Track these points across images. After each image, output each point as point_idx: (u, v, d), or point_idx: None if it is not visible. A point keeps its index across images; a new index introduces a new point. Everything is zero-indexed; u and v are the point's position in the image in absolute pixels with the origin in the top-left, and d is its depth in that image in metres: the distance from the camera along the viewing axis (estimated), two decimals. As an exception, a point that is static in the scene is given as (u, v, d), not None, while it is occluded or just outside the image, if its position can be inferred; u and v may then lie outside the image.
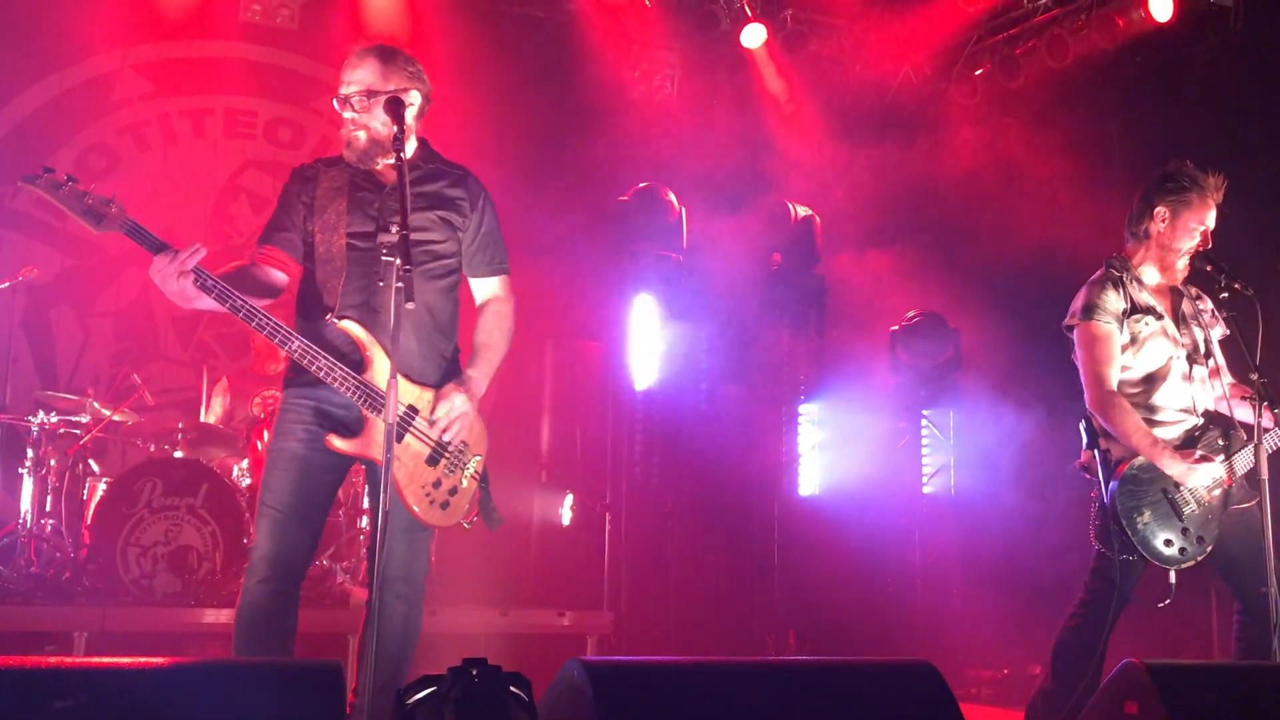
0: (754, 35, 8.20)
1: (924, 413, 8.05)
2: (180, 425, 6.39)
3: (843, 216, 7.98)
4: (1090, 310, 4.21)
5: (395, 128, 3.38)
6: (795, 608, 7.41)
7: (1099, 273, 4.31)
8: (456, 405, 3.46)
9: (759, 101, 8.60)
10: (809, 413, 7.73)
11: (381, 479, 3.01)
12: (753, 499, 7.51)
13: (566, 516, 7.51)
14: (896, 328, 7.96)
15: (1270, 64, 7.47)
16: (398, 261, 3.09)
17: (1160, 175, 4.30)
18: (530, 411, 7.86)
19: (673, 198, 7.49)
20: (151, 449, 6.43)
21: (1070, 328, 4.31)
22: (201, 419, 6.82)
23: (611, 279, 7.52)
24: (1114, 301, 4.21)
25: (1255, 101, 7.47)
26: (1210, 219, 4.23)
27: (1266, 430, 3.98)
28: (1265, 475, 3.80)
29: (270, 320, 3.27)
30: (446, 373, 3.57)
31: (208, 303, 3.26)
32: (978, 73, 8.59)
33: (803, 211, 7.85)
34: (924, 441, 8.06)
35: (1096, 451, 4.21)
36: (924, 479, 8.04)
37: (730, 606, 7.29)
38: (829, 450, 7.63)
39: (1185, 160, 4.30)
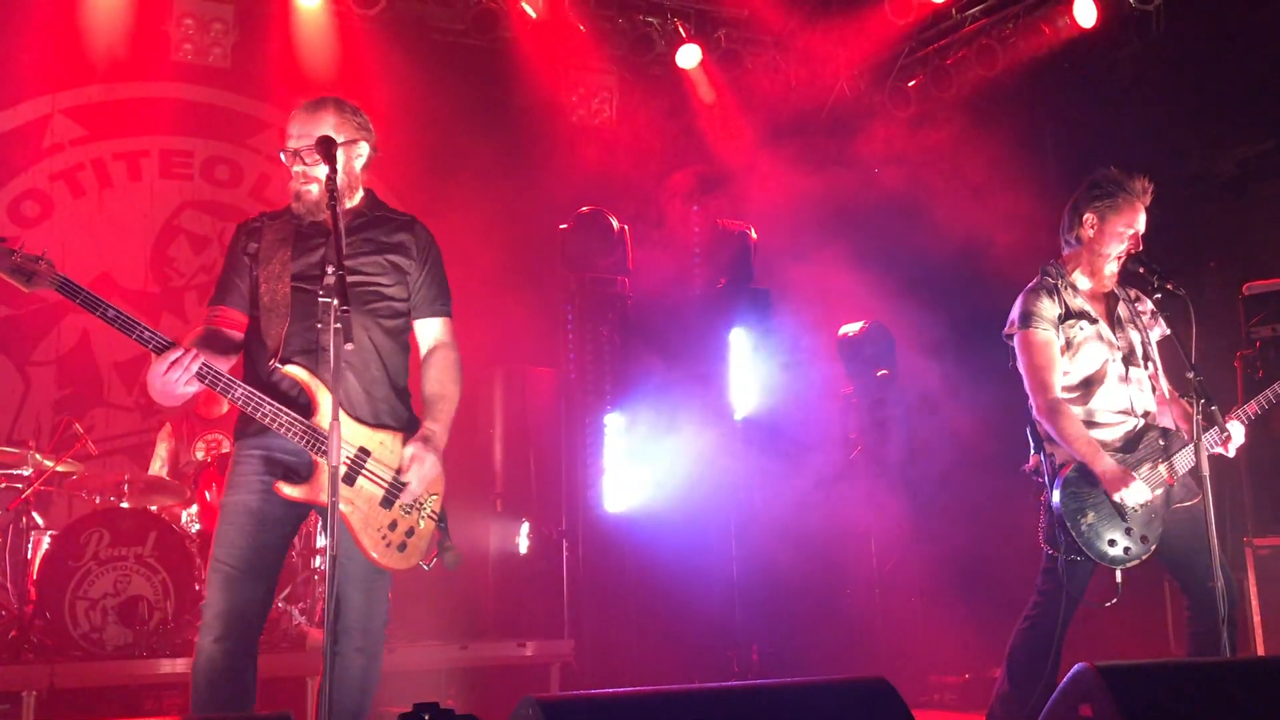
0: (689, 56, 8.26)
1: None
2: (126, 477, 6.29)
3: (783, 232, 8.03)
4: (1028, 318, 4.29)
5: (330, 168, 3.36)
6: (757, 624, 7.41)
7: (1035, 281, 4.40)
8: (427, 470, 3.47)
9: (697, 121, 8.66)
10: (759, 427, 7.74)
11: (329, 522, 2.99)
12: (709, 516, 7.50)
13: (524, 545, 7.47)
14: (843, 337, 8.01)
15: (1192, 65, 7.63)
16: (335, 302, 3.09)
17: (1088, 183, 4.40)
18: (482, 440, 7.82)
19: (614, 221, 7.50)
20: (97, 500, 6.32)
21: (1010, 336, 4.39)
22: (151, 467, 6.74)
23: (558, 304, 7.52)
24: (1049, 308, 4.29)
25: (1180, 102, 7.63)
26: (1139, 222, 4.32)
27: (1205, 429, 4.05)
28: (1206, 473, 3.87)
29: (223, 375, 3.29)
30: (397, 415, 3.55)
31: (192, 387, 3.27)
32: (911, 84, 8.70)
33: (745, 229, 7.89)
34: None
35: (1042, 455, 4.28)
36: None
37: (692, 626, 7.28)
38: (779, 464, 7.65)
39: (1110, 167, 4.38)
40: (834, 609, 7.54)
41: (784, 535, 7.49)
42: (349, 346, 3.10)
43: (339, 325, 3.08)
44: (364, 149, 3.61)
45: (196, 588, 6.05)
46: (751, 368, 7.72)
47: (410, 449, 3.47)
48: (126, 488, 6.23)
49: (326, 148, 3.39)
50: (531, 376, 7.84)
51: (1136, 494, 4.10)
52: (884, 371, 7.82)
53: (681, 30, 8.29)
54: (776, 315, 7.95)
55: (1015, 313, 4.36)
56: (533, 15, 7.90)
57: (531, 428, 7.68)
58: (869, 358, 7.90)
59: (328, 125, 3.51)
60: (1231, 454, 4.27)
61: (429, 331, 3.71)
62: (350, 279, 3.36)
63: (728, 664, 7.21)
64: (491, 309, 8.07)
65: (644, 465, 7.26)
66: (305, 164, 3.49)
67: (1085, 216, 4.35)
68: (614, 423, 7.35)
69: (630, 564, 7.24)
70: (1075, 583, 4.16)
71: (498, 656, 6.46)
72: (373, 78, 7.77)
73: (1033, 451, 4.34)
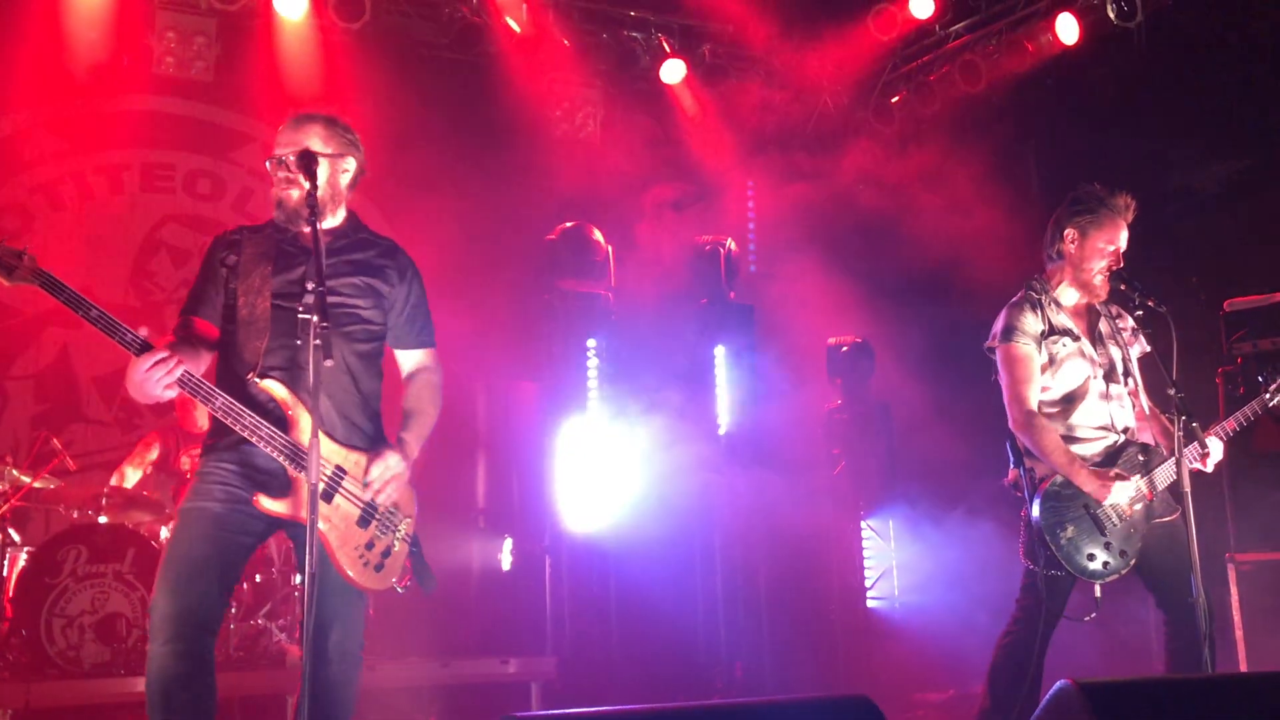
0: (673, 71, 8.27)
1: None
2: (105, 490, 6.23)
3: (767, 247, 8.05)
4: (1010, 332, 4.31)
5: (310, 184, 3.35)
6: (740, 640, 7.39)
7: (1018, 295, 4.42)
8: (391, 466, 3.45)
9: (681, 136, 8.67)
10: (742, 442, 7.72)
11: (307, 539, 2.97)
12: (692, 531, 7.48)
13: (506, 561, 7.44)
14: (828, 352, 8.02)
15: (1173, 82, 7.68)
16: (315, 318, 3.09)
17: (1070, 198, 4.43)
18: (465, 456, 7.79)
19: (599, 235, 7.49)
20: (75, 515, 6.26)
21: (991, 350, 4.40)
22: (128, 479, 6.67)
23: (542, 319, 7.50)
24: (1032, 323, 4.31)
25: (1161, 118, 7.68)
26: (1121, 238, 4.33)
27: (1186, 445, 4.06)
28: (1187, 489, 3.87)
29: (205, 384, 3.28)
30: (369, 438, 3.52)
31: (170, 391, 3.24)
32: (894, 100, 8.73)
33: (728, 243, 7.89)
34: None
35: (1022, 470, 4.28)
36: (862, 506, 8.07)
37: (675, 643, 7.25)
38: (762, 479, 7.63)
39: (1094, 182, 4.41)
40: (818, 625, 7.52)
41: (767, 551, 7.48)
42: (328, 363, 3.09)
43: (319, 342, 3.08)
44: (351, 165, 3.59)
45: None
46: (735, 383, 7.72)
47: (381, 451, 3.47)
48: (105, 502, 6.18)
49: (306, 161, 3.38)
50: (515, 391, 7.82)
51: (1118, 494, 4.11)
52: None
53: (666, 45, 8.30)
54: (760, 331, 7.96)
55: (998, 326, 4.38)
56: (517, 30, 7.90)
57: (514, 443, 7.65)
58: (853, 373, 7.91)
59: (315, 137, 3.51)
60: (1209, 470, 4.28)
61: (415, 359, 3.74)
62: (328, 299, 3.34)
63: (711, 681, 7.18)
64: (475, 323, 8.04)
65: (628, 481, 7.23)
66: (289, 171, 3.48)
67: (1066, 231, 4.38)
68: (597, 438, 7.33)
69: (613, 580, 7.21)
70: (1055, 598, 4.16)
71: (480, 674, 6.42)
72: (356, 91, 7.75)
73: (1012, 466, 4.34)
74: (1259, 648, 5.41)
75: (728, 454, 7.63)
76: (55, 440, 6.38)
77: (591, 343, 7.37)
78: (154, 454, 6.76)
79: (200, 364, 3.43)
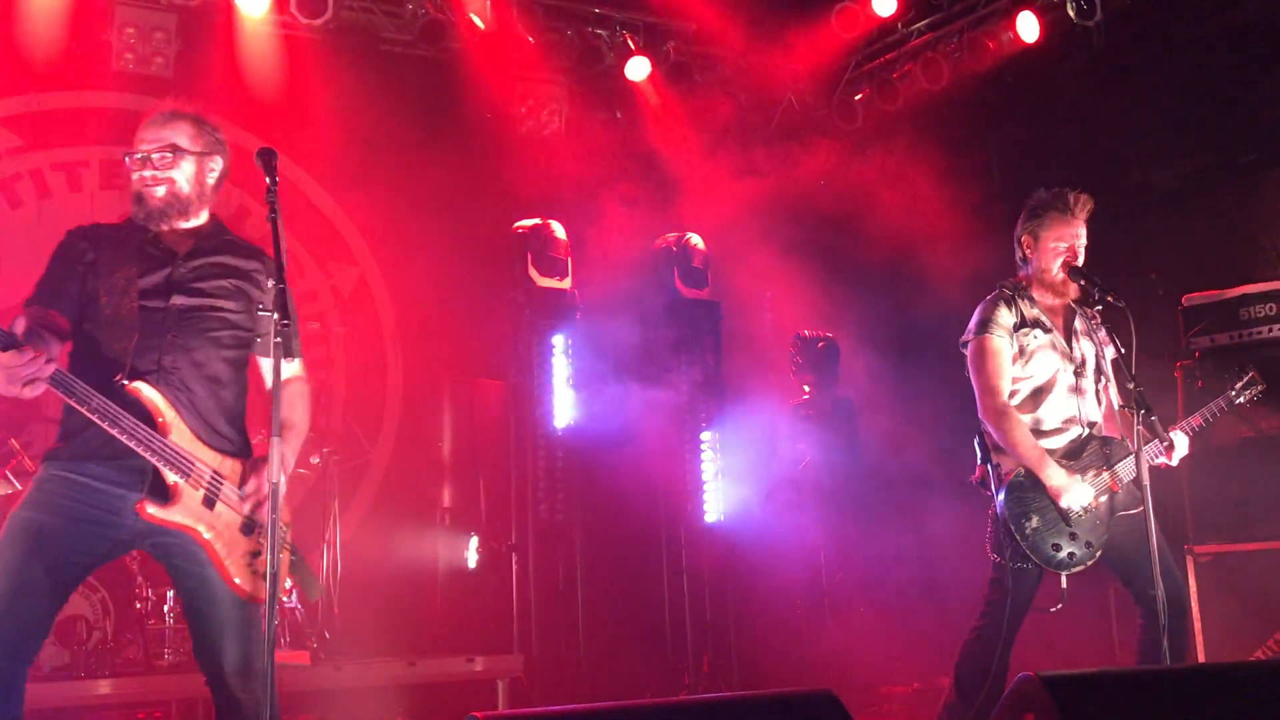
0: (638, 68, 8.26)
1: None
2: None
3: (732, 243, 8.06)
4: (984, 325, 4.39)
5: (269, 180, 3.25)
6: (708, 636, 7.41)
7: (993, 293, 4.52)
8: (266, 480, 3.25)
9: (646, 133, 8.66)
10: (710, 439, 7.75)
11: (269, 537, 2.93)
12: (658, 529, 7.49)
13: (472, 559, 7.41)
14: (793, 348, 8.04)
15: (1132, 80, 7.76)
16: (275, 315, 3.03)
17: (1025, 204, 4.53)
18: (430, 454, 7.75)
19: (562, 232, 7.49)
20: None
21: (965, 344, 4.46)
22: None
23: (505, 316, 7.48)
24: (1006, 316, 4.40)
25: (1120, 116, 7.76)
26: (1072, 235, 4.42)
27: (1148, 440, 4.12)
28: (1147, 482, 3.92)
29: (79, 383, 3.09)
30: (236, 443, 3.38)
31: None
32: (858, 97, 8.77)
33: (693, 240, 7.90)
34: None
35: (989, 465, 4.33)
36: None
37: (642, 639, 7.26)
38: (731, 476, 7.66)
39: (1043, 186, 4.52)
40: (785, 620, 7.54)
41: (733, 547, 7.50)
42: (289, 361, 3.05)
43: (279, 340, 3.03)
44: (218, 165, 3.52)
45: (137, 606, 5.94)
46: (700, 379, 7.73)
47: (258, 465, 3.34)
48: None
49: (267, 159, 3.27)
50: (480, 389, 7.79)
51: (1078, 496, 4.16)
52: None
53: (631, 43, 8.29)
54: (724, 327, 7.98)
55: (973, 320, 4.48)
56: (481, 26, 7.86)
57: (480, 441, 7.62)
58: (818, 369, 7.94)
59: (183, 135, 3.44)
60: (1174, 463, 4.35)
61: (285, 369, 3.45)
62: (191, 302, 3.31)
63: (679, 677, 7.20)
64: (439, 321, 8.03)
65: (594, 478, 7.23)
66: (155, 166, 3.41)
67: (1023, 239, 4.52)
68: (563, 435, 7.32)
69: (581, 578, 7.21)
70: (1021, 590, 4.20)
71: (446, 673, 6.39)
72: (319, 88, 7.69)
73: (979, 461, 4.39)
74: (1216, 639, 5.49)
75: (693, 449, 7.65)
76: (14, 440, 6.30)
77: (556, 339, 7.36)
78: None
79: (59, 344, 3.24)
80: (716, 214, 8.12)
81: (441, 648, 7.03)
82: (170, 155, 3.42)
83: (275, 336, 3.04)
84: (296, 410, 3.52)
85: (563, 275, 7.45)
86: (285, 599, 3.44)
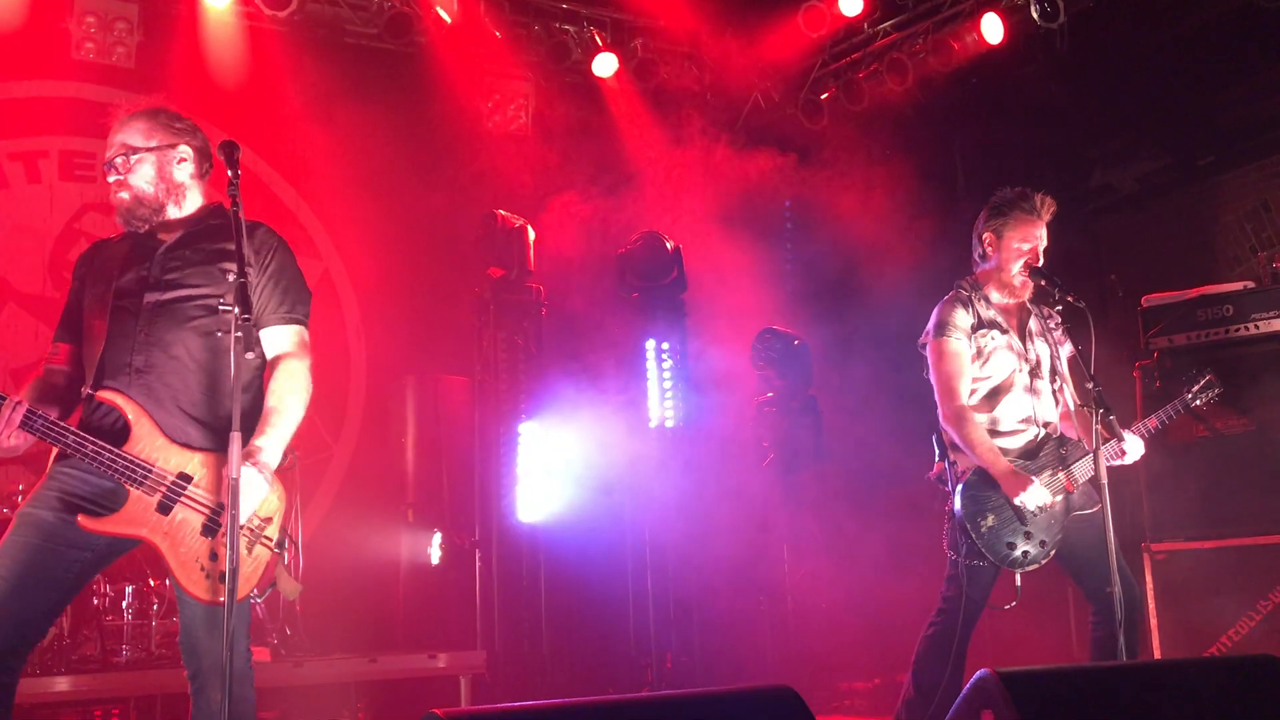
0: (605, 64, 8.26)
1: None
2: (20, 487, 6.07)
3: (698, 241, 8.07)
4: (942, 327, 4.41)
5: (231, 173, 3.26)
6: (671, 633, 7.42)
7: (950, 293, 4.53)
8: (253, 489, 3.18)
9: (613, 129, 8.66)
10: (676, 434, 7.75)
11: (228, 534, 2.91)
12: (623, 526, 7.49)
13: (436, 555, 7.39)
14: (758, 345, 8.07)
15: (1095, 82, 7.85)
16: (237, 310, 3.02)
17: (988, 204, 4.55)
18: (394, 450, 7.72)
19: (529, 228, 7.47)
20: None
21: (924, 346, 4.49)
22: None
23: (471, 312, 7.46)
24: (963, 318, 4.42)
25: (1082, 118, 7.84)
26: (1035, 236, 4.45)
27: (1106, 440, 4.16)
28: (1105, 481, 3.96)
29: (55, 424, 3.12)
30: (221, 436, 3.20)
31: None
32: (823, 97, 8.81)
33: (660, 237, 7.90)
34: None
35: (946, 463, 4.37)
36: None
37: (606, 636, 7.26)
38: (693, 473, 7.66)
39: (1009, 185, 4.54)
40: (748, 617, 7.57)
41: (698, 544, 7.51)
42: (249, 356, 3.03)
43: (239, 335, 3.00)
44: (187, 152, 3.47)
45: (95, 602, 5.88)
46: (666, 376, 7.73)
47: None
48: (20, 497, 6.02)
49: (229, 152, 3.26)
50: (444, 385, 7.76)
51: (1035, 497, 4.20)
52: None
53: (598, 39, 8.29)
54: (692, 323, 7.98)
55: (931, 323, 4.50)
56: (448, 20, 7.83)
57: (444, 437, 7.60)
58: (783, 366, 7.97)
59: (136, 134, 3.43)
60: (1129, 464, 4.39)
61: (273, 341, 3.45)
62: (164, 296, 3.29)
63: (642, 673, 7.20)
64: (404, 317, 7.99)
65: (557, 475, 7.22)
66: (119, 172, 3.41)
67: (985, 236, 4.52)
68: (528, 431, 7.31)
69: (544, 574, 7.20)
70: (977, 587, 4.24)
71: (408, 669, 6.37)
72: (283, 81, 7.63)
73: (937, 459, 4.42)
74: (1172, 635, 5.57)
75: (659, 447, 7.65)
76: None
77: (521, 335, 7.34)
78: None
79: (56, 404, 3.29)
80: (683, 210, 8.13)
81: (404, 644, 7.01)
82: (125, 158, 3.41)
83: (235, 331, 3.01)
84: (284, 394, 3.38)
85: (527, 271, 7.43)
86: (256, 598, 3.36)
